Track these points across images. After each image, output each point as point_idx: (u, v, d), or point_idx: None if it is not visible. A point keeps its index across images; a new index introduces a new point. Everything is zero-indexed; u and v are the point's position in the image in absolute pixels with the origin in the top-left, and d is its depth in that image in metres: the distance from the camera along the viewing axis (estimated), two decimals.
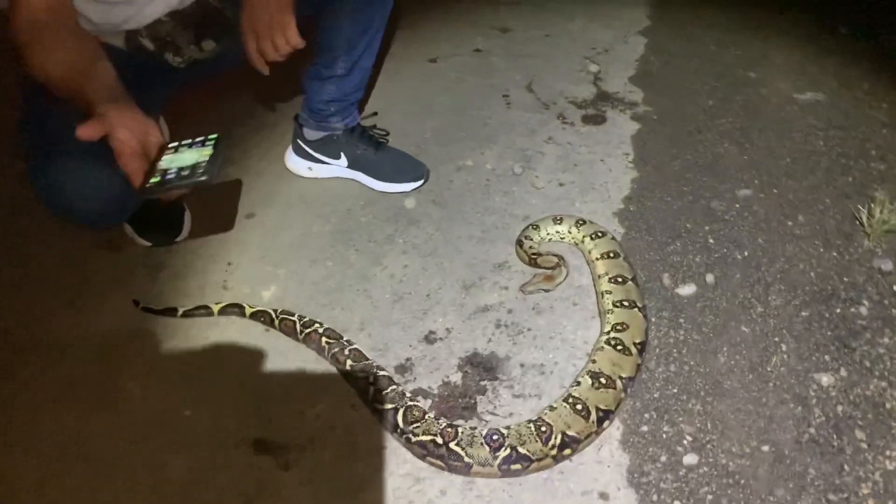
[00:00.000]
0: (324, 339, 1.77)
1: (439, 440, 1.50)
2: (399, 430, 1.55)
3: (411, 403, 1.59)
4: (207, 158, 1.39)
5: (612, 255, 1.97)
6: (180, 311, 1.88)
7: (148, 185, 1.35)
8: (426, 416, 1.56)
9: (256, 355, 1.80)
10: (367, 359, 1.73)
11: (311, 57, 2.17)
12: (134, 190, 1.38)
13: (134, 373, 1.76)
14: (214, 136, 1.46)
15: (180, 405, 1.67)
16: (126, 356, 1.80)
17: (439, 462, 1.51)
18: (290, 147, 2.43)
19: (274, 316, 1.84)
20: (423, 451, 1.52)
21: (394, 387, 1.64)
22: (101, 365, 1.78)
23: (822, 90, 2.85)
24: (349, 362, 1.70)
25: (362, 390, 1.66)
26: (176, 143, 1.45)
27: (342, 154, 2.34)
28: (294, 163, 2.42)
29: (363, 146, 2.34)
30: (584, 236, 2.07)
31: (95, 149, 1.39)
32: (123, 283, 2.01)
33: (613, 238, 2.06)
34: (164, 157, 1.41)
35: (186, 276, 2.04)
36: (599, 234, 2.05)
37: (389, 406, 1.59)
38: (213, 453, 1.57)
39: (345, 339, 1.78)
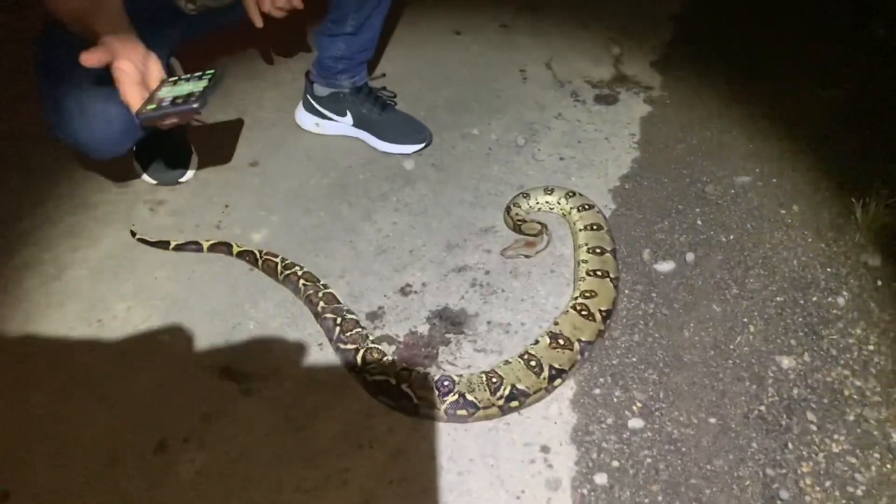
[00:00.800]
0: (301, 280, 1.83)
1: (392, 381, 1.56)
2: (357, 370, 1.61)
3: (372, 346, 1.65)
4: (201, 90, 1.46)
5: (595, 227, 1.99)
6: (172, 245, 1.97)
7: (143, 112, 1.45)
8: (384, 359, 1.62)
9: (237, 290, 1.88)
10: (339, 303, 1.79)
11: (324, 13, 2.23)
12: (134, 117, 1.47)
13: (121, 295, 1.85)
14: (212, 70, 1.54)
15: (159, 329, 1.76)
16: (117, 280, 1.90)
17: (390, 401, 1.57)
18: (301, 103, 2.50)
19: (258, 256, 1.92)
20: (377, 390, 1.58)
21: (358, 329, 1.70)
22: (93, 285, 1.88)
23: (845, 87, 2.79)
24: (321, 304, 1.77)
25: (329, 330, 1.72)
26: (175, 77, 1.54)
27: (348, 112, 2.40)
28: (303, 118, 2.50)
29: (369, 106, 2.40)
30: (571, 208, 2.09)
31: (99, 81, 1.48)
32: (124, 216, 2.11)
33: (600, 212, 2.07)
34: (163, 89, 1.50)
35: (184, 213, 2.13)
36: (586, 207, 2.07)
37: (351, 346, 1.65)
38: (182, 374, 1.66)
39: (321, 283, 1.84)
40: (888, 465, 1.46)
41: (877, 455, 1.48)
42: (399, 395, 1.54)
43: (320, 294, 1.79)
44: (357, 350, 1.64)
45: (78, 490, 1.42)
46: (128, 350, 1.71)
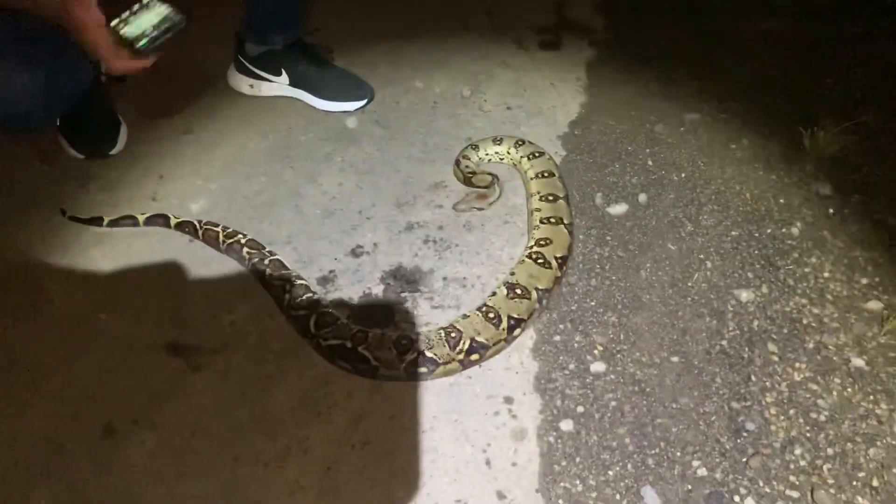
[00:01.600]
0: (245, 248, 1.75)
1: (349, 344, 1.50)
2: (311, 335, 1.55)
3: (325, 310, 1.59)
4: (167, 11, 1.52)
5: (546, 174, 1.95)
6: (106, 221, 1.87)
7: (140, 47, 1.51)
8: (338, 322, 1.56)
9: (178, 264, 1.79)
10: (287, 269, 1.72)
11: None
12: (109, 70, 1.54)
13: (56, 277, 1.75)
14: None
15: (97, 308, 1.67)
16: (50, 262, 1.79)
17: (347, 365, 1.51)
18: (232, 64, 2.38)
19: (198, 226, 1.82)
20: (333, 355, 1.52)
21: (309, 295, 1.63)
22: (23, 268, 1.77)
23: (785, 19, 2.78)
24: (268, 271, 1.69)
25: (278, 298, 1.65)
26: (122, 16, 1.52)
27: (283, 70, 2.30)
28: (236, 80, 2.38)
29: (305, 63, 2.29)
30: (521, 156, 2.04)
31: (15, 47, 1.38)
32: (53, 194, 1.98)
33: (550, 158, 2.03)
34: (124, 29, 1.51)
35: (117, 188, 2.01)
36: (536, 154, 2.02)
37: (303, 312, 1.58)
38: (125, 354, 1.57)
39: (267, 249, 1.77)
40: (849, 389, 1.47)
41: (837, 380, 1.48)
42: (356, 357, 1.49)
43: (266, 261, 1.72)
44: (309, 315, 1.57)
45: (22, 485, 1.34)
46: (66, 334, 1.62)
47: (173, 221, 1.86)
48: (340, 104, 2.30)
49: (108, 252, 1.82)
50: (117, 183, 2.03)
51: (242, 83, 2.37)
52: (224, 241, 1.78)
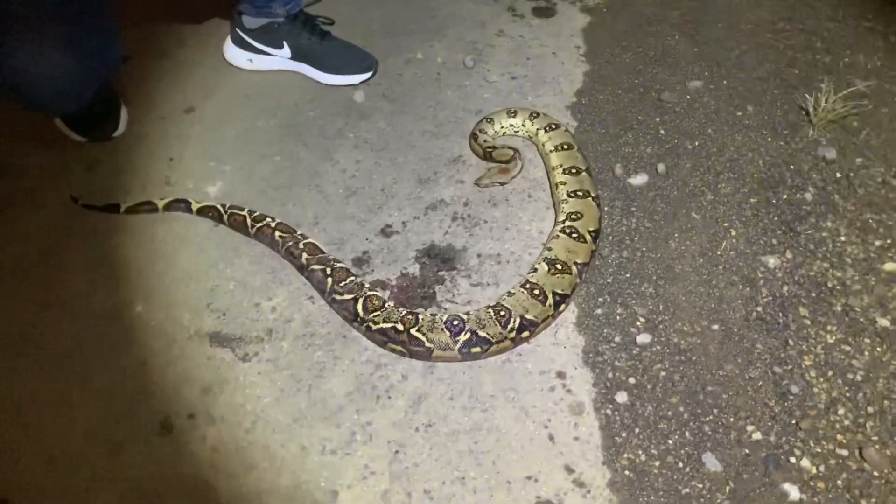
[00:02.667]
0: (277, 233, 1.72)
1: (400, 327, 1.51)
2: (359, 319, 1.54)
3: (370, 293, 1.58)
4: None
5: (565, 146, 1.96)
6: (123, 208, 1.80)
7: None
8: (386, 305, 1.56)
9: (206, 250, 1.75)
10: (323, 252, 1.70)
11: None
12: None
13: (78, 269, 1.69)
14: None
15: (131, 301, 1.63)
16: (69, 253, 1.73)
17: (400, 348, 1.52)
18: (229, 37, 2.29)
19: (223, 211, 1.78)
20: (385, 339, 1.52)
21: (352, 278, 1.62)
22: (43, 262, 1.70)
23: None
24: (305, 255, 1.67)
25: (319, 282, 1.63)
26: None
27: (285, 43, 2.23)
28: (233, 54, 2.30)
29: (307, 35, 2.23)
30: (537, 129, 2.04)
31: (50, 31, 1.32)
32: (59, 182, 1.91)
33: (567, 130, 2.04)
34: None
35: (126, 172, 1.94)
36: (553, 127, 2.03)
37: (349, 297, 1.57)
38: (168, 346, 1.54)
39: (298, 233, 1.74)
40: (878, 349, 1.55)
41: (867, 340, 1.56)
42: (410, 340, 1.49)
43: (301, 245, 1.69)
44: (356, 299, 1.56)
45: (84, 487, 1.32)
46: (104, 329, 1.57)
47: (195, 206, 1.81)
48: (346, 77, 2.25)
49: (130, 241, 1.76)
50: (126, 167, 1.96)
51: (241, 57, 2.29)
52: (253, 226, 1.74)
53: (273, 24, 2.20)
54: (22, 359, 1.51)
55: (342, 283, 1.60)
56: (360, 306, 1.55)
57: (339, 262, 1.68)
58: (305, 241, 1.71)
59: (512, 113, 2.09)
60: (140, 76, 2.22)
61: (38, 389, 1.46)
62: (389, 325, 1.51)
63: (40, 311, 1.60)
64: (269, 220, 1.75)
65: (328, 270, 1.63)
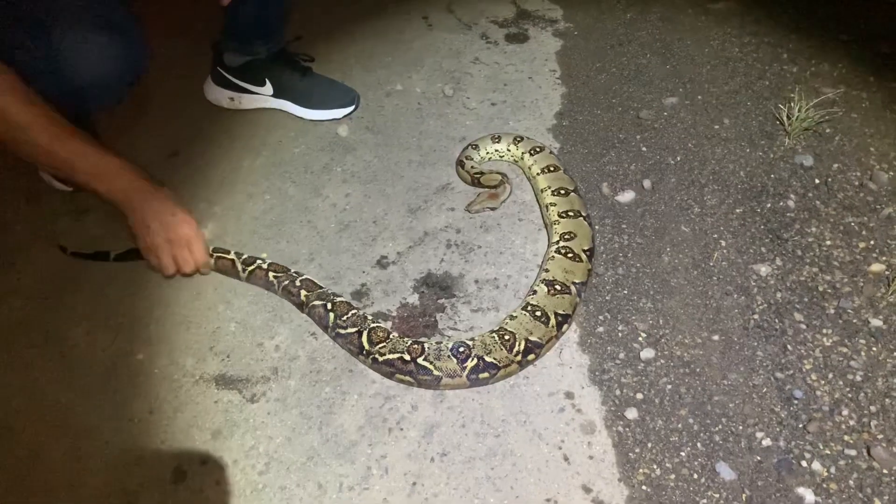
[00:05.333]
0: (271, 273, 1.72)
1: (407, 357, 1.51)
2: (365, 352, 1.54)
3: (374, 325, 1.58)
4: None
5: (552, 168, 1.99)
6: (112, 255, 1.78)
7: None
8: (390, 336, 1.56)
9: (204, 293, 1.74)
10: (321, 287, 1.70)
11: None
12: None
13: (76, 320, 1.67)
14: None
15: (130, 349, 1.60)
16: (64, 304, 1.70)
17: (408, 378, 1.52)
18: (210, 77, 2.30)
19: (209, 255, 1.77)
20: (392, 369, 1.52)
21: (354, 311, 1.62)
22: (39, 314, 1.68)
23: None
24: (303, 292, 1.67)
25: (321, 318, 1.63)
26: None
27: (267, 80, 2.24)
28: (214, 94, 2.30)
29: (289, 72, 2.24)
30: (522, 153, 2.08)
31: (88, 16, 1.51)
32: (48, 232, 1.88)
33: (552, 152, 2.07)
34: None
35: (115, 218, 1.89)
36: (538, 150, 2.06)
37: (353, 329, 1.57)
38: (174, 393, 1.53)
39: (293, 270, 1.74)
40: (874, 348, 1.59)
41: (863, 341, 1.60)
42: (417, 370, 1.50)
43: (297, 282, 1.69)
44: (360, 332, 1.56)
45: None
46: (105, 379, 1.55)
47: None
48: (329, 112, 2.27)
49: (123, 288, 1.75)
50: (114, 214, 1.91)
51: (222, 96, 2.29)
52: (244, 269, 1.73)
53: (255, 60, 2.21)
54: (25, 414, 1.48)
55: (345, 317, 1.60)
56: (365, 339, 1.55)
57: (339, 296, 1.68)
58: (301, 277, 1.71)
59: (496, 138, 2.12)
60: (121, 122, 2.20)
61: (44, 444, 1.43)
62: (396, 355, 1.52)
63: (42, 365, 1.57)
64: (259, 261, 1.74)
65: (329, 305, 1.63)
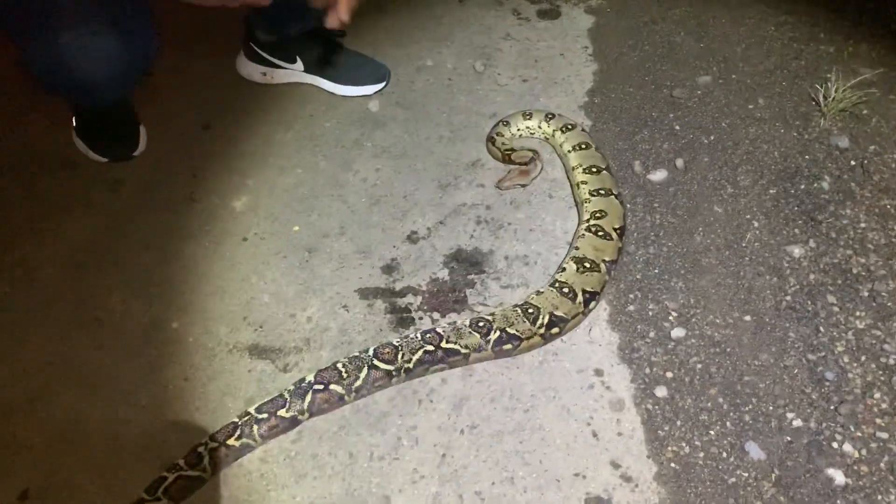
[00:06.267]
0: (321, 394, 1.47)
1: (430, 348, 1.49)
2: (392, 373, 1.47)
3: (376, 351, 1.49)
4: None
5: (583, 146, 1.98)
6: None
7: None
8: (397, 343, 1.50)
9: (238, 264, 1.76)
10: (328, 369, 1.48)
11: None
12: None
13: (111, 288, 1.70)
14: None
15: (166, 317, 1.63)
16: (100, 273, 1.73)
17: (440, 366, 1.52)
18: (242, 51, 2.30)
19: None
20: (425, 366, 1.50)
21: (349, 358, 1.49)
22: (75, 282, 1.71)
23: None
24: (345, 379, 1.47)
25: (337, 396, 1.45)
26: None
27: (298, 57, 2.24)
28: (247, 68, 2.31)
29: (320, 48, 2.24)
30: (554, 130, 2.07)
31: (88, 15, 1.49)
32: (84, 202, 1.91)
33: (584, 130, 2.06)
34: None
35: (150, 189, 1.95)
36: (569, 127, 2.05)
37: (364, 371, 1.46)
38: (208, 361, 1.56)
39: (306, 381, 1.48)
40: None
41: None
42: (446, 354, 1.49)
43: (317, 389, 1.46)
44: (371, 367, 1.46)
45: None
46: (142, 345, 1.59)
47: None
48: (360, 88, 2.27)
49: (160, 258, 1.78)
50: (150, 185, 1.97)
51: (254, 71, 2.30)
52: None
53: (286, 38, 2.21)
54: (61, 379, 1.52)
55: (349, 371, 1.46)
56: (379, 364, 1.47)
57: (336, 362, 1.49)
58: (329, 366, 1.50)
59: (527, 115, 2.11)
60: (154, 94, 2.22)
61: (81, 409, 1.47)
62: (420, 353, 1.49)
63: (77, 332, 1.61)
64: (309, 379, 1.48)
65: (337, 377, 1.46)
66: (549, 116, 2.10)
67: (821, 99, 2.14)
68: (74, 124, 2.01)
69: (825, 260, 1.73)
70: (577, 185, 1.90)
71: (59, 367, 1.54)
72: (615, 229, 1.74)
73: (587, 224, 1.76)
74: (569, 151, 1.99)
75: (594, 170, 1.90)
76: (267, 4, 1.71)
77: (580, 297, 1.59)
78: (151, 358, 1.56)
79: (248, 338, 1.60)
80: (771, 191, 1.91)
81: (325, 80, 2.27)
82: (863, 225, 1.81)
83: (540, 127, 2.10)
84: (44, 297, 1.68)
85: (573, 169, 1.94)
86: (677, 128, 2.13)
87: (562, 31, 2.62)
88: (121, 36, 1.64)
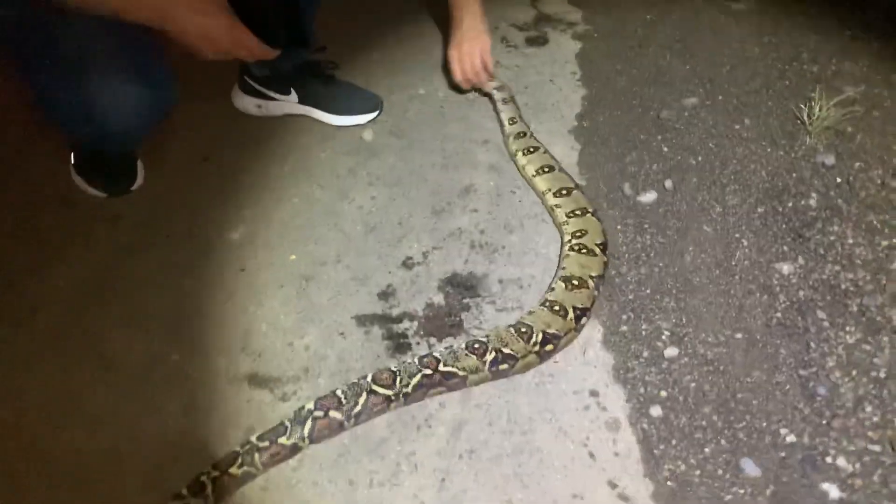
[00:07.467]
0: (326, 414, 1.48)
1: (428, 371, 1.52)
2: (391, 397, 1.49)
3: (374, 376, 1.51)
4: None
5: (546, 169, 2.04)
6: None
7: None
8: (395, 369, 1.52)
9: (235, 295, 1.79)
10: (335, 395, 1.50)
11: None
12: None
13: (113, 324, 1.72)
14: None
15: (167, 351, 1.65)
16: (101, 310, 1.75)
17: (440, 388, 1.54)
18: (237, 85, 2.35)
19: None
20: (423, 390, 1.52)
21: (348, 385, 1.51)
22: (76, 318, 1.73)
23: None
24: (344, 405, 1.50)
25: (339, 422, 1.47)
26: None
27: (292, 89, 2.29)
28: (242, 101, 2.35)
29: (313, 80, 2.29)
30: (516, 150, 2.15)
31: (111, 59, 1.54)
32: (84, 237, 1.93)
33: (546, 151, 2.11)
34: None
35: (149, 224, 1.98)
36: (532, 150, 2.12)
37: (363, 396, 1.48)
38: (208, 393, 1.57)
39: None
40: None
41: (886, 338, 1.61)
42: (444, 377, 1.52)
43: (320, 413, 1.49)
44: (369, 392, 1.49)
45: None
46: (142, 378, 1.60)
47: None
48: (354, 118, 2.31)
49: (160, 291, 1.79)
50: (148, 219, 1.99)
51: (250, 104, 2.34)
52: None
53: (280, 71, 2.25)
54: (67, 416, 1.53)
55: (348, 397, 1.48)
56: (378, 389, 1.49)
57: (334, 391, 1.51)
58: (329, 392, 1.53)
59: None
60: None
61: (85, 444, 1.48)
62: (417, 377, 1.51)
63: (78, 367, 1.62)
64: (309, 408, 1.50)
65: (337, 403, 1.48)
66: (521, 135, 2.16)
67: (805, 117, 2.18)
68: (73, 161, 2.04)
69: (814, 276, 1.76)
70: (552, 208, 1.95)
71: (61, 403, 1.56)
72: (598, 245, 1.79)
73: (570, 244, 1.81)
74: (533, 176, 2.05)
75: (564, 192, 1.95)
76: (274, 57, 1.77)
77: (571, 314, 1.62)
78: (152, 391, 1.57)
79: (247, 368, 1.62)
80: (759, 209, 1.94)
81: (319, 111, 2.32)
82: (850, 241, 1.84)
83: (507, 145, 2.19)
84: (46, 335, 1.70)
85: (543, 194, 2.00)
86: (665, 149, 2.17)
87: (550, 57, 2.67)
88: (148, 85, 1.69)
